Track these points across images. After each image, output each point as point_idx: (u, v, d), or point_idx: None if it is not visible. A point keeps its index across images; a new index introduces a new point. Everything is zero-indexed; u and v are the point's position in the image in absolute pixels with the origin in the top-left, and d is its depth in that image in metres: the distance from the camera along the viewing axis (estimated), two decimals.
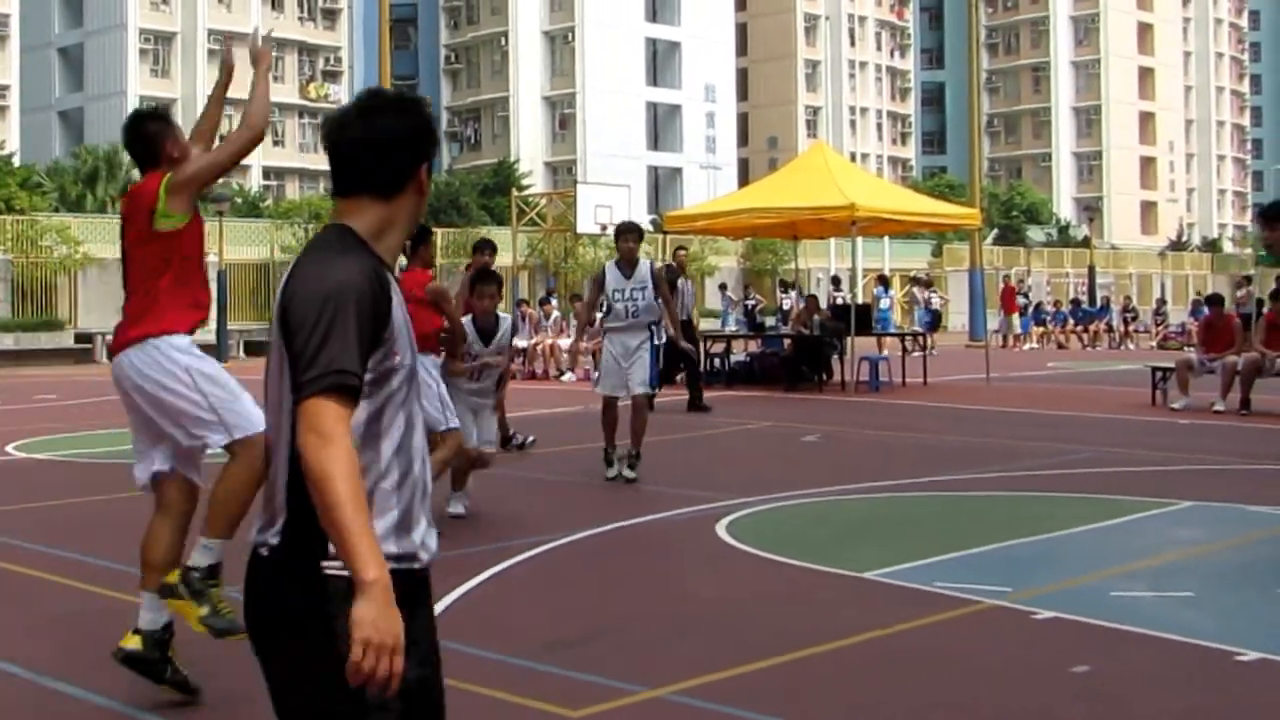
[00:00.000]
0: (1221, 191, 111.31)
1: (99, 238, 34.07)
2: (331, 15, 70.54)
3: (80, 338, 33.01)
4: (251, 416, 4.84)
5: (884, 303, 31.78)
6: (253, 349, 33.26)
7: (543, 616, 6.28)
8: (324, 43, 69.85)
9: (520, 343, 22.87)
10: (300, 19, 68.94)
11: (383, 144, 2.56)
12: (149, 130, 5.21)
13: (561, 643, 5.68)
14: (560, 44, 71.04)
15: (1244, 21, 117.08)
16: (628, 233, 10.53)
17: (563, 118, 71.22)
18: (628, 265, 10.27)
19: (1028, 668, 5.25)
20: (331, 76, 70.10)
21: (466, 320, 8.60)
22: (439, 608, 6.09)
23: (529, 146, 69.39)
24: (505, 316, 9.06)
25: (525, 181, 58.95)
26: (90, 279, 34.39)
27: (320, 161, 68.48)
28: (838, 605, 6.39)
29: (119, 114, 63.68)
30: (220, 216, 38.61)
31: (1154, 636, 5.66)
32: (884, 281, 34.64)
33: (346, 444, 2.35)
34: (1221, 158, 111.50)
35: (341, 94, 70.24)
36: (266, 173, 66.69)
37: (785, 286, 37.20)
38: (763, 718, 4.65)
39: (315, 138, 69.74)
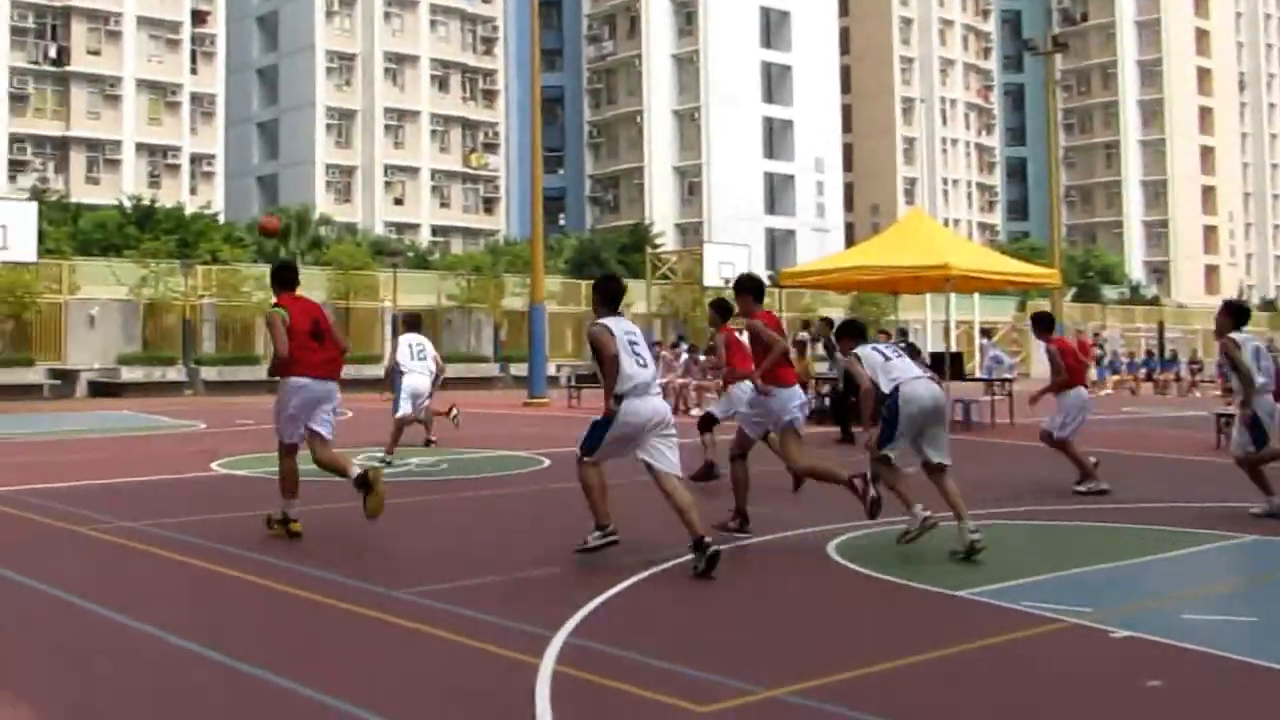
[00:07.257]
0: (1277, 257, 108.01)
1: None
2: (490, 95, 71.77)
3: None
4: None
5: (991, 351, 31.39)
6: None
7: (677, 622, 6.31)
8: (484, 119, 70.96)
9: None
10: (463, 98, 70.21)
11: None
12: None
13: (692, 645, 5.69)
14: (688, 121, 71.76)
15: None
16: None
17: (690, 185, 71.90)
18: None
19: (1104, 679, 5.14)
20: (490, 148, 71.25)
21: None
22: (587, 608, 6.18)
23: (661, 210, 69.93)
24: None
25: (658, 240, 59.45)
26: None
27: (481, 221, 69.66)
28: (935, 620, 6.32)
29: (309, 179, 65.60)
30: (395, 269, 39.52)
31: (1219, 656, 5.46)
32: (986, 334, 34.36)
33: None
34: (1277, 226, 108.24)
35: (499, 163, 71.39)
36: (434, 230, 67.89)
37: (887, 336, 36.75)
38: (867, 717, 4.61)
39: (477, 200, 70.87)
